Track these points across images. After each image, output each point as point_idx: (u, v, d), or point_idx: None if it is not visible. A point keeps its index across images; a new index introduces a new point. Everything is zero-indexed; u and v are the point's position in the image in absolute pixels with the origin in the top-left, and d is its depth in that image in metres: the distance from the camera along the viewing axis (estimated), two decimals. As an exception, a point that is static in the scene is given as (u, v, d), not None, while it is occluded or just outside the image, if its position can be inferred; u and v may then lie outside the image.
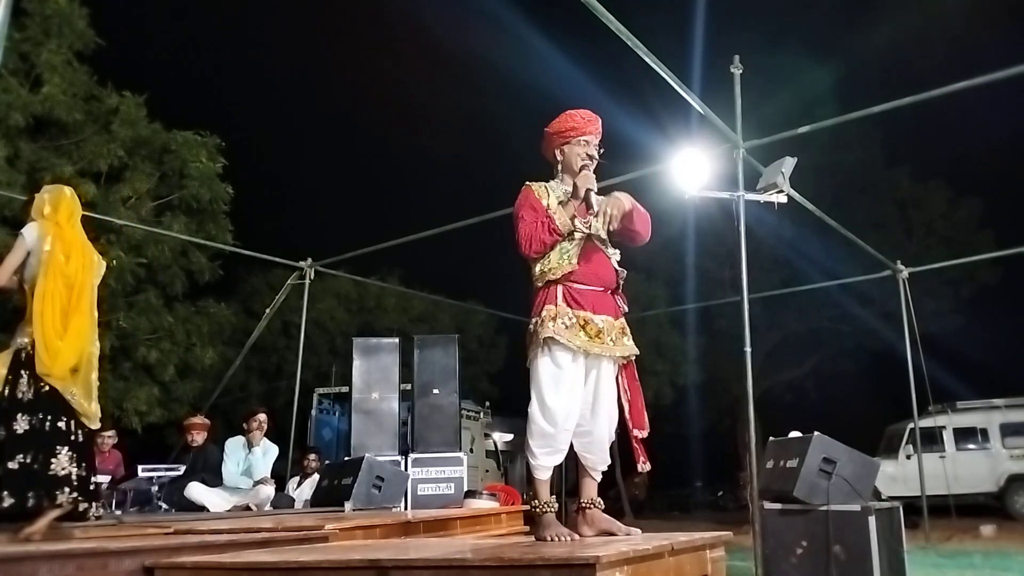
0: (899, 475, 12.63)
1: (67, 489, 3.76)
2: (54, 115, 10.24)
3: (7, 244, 9.34)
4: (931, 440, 12.53)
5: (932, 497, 10.40)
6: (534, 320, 3.10)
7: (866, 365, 19.34)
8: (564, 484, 9.38)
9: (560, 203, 3.17)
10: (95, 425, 4.01)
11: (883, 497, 10.14)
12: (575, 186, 3.17)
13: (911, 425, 11.63)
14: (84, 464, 3.90)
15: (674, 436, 21.80)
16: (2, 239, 9.53)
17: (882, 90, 7.00)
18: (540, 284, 3.14)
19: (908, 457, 12.83)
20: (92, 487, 3.99)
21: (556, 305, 3.06)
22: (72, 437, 3.86)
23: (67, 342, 3.87)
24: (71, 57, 10.44)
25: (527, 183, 3.29)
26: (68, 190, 4.33)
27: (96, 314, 4.16)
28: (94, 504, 3.96)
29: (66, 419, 3.84)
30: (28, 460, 3.68)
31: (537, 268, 3.17)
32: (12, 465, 3.64)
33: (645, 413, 3.27)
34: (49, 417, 3.79)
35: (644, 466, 3.26)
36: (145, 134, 11.07)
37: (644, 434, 3.25)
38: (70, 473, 3.79)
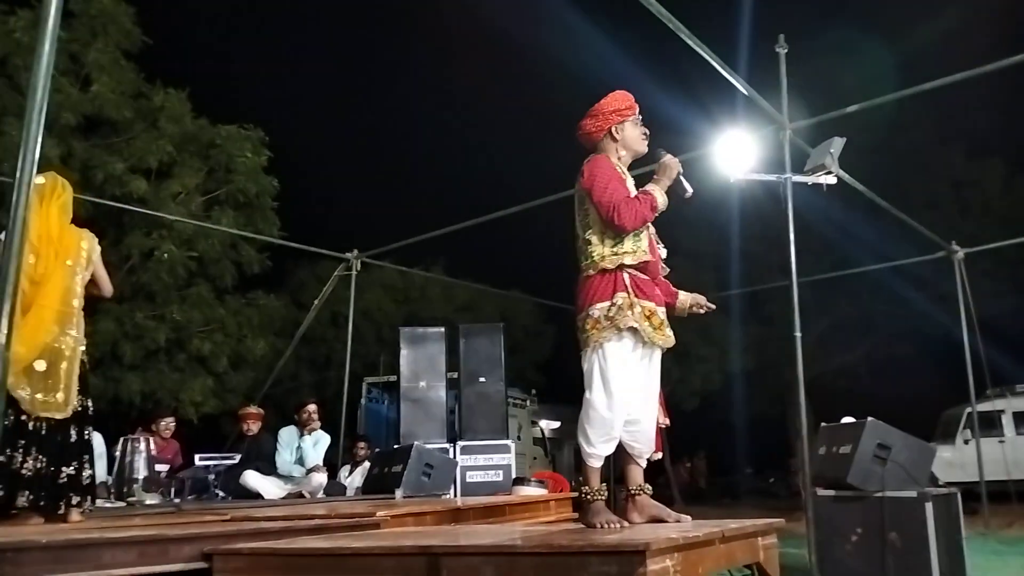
0: (957, 460, 12.34)
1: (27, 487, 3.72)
2: (104, 113, 10.49)
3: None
4: (989, 424, 12.22)
5: (991, 483, 10.16)
6: (603, 306, 3.01)
7: (921, 349, 18.90)
8: (613, 471, 9.35)
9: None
10: (61, 414, 3.87)
11: (940, 483, 9.89)
12: (664, 167, 3.15)
13: (968, 409, 11.35)
14: (42, 458, 3.80)
15: (723, 423, 21.62)
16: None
17: (934, 66, 6.79)
18: (610, 267, 3.04)
19: (966, 442, 12.53)
20: (61, 481, 3.86)
21: (628, 293, 3.01)
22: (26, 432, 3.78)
23: (20, 340, 3.61)
24: (119, 56, 10.67)
25: (601, 153, 3.22)
26: (43, 177, 4.13)
27: (74, 302, 4.03)
28: (63, 501, 3.85)
29: (15, 415, 3.72)
30: None
31: (607, 250, 3.06)
32: None
33: None
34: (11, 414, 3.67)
35: (658, 455, 3.28)
36: (192, 130, 11.28)
37: (667, 423, 3.29)
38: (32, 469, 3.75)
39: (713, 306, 3.46)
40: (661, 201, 3.09)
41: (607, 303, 3.01)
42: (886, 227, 12.36)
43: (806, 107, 7.25)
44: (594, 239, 3.10)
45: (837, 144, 5.71)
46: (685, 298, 3.40)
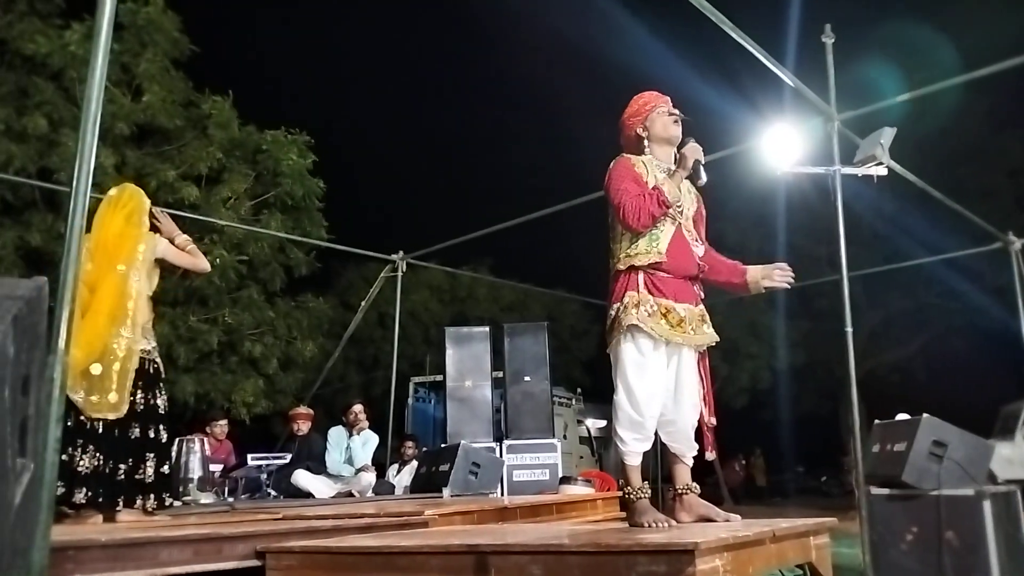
0: (1016, 457, 11.90)
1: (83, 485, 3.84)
2: (156, 122, 10.70)
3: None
4: (1051, 420, 11.85)
5: (1054, 480, 9.85)
6: (616, 306, 3.06)
7: (977, 343, 18.37)
8: (660, 470, 9.28)
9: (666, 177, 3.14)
10: (115, 415, 3.96)
11: (999, 481, 9.61)
12: (682, 157, 3.11)
13: (1029, 405, 11.03)
14: (99, 455, 3.91)
15: (773, 421, 21.30)
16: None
17: (987, 52, 6.59)
18: (622, 268, 3.09)
19: (1026, 438, 12.18)
20: (119, 478, 3.94)
21: (638, 292, 3.02)
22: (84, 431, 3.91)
23: (76, 345, 3.71)
24: (168, 65, 10.88)
25: (622, 154, 3.24)
26: (116, 189, 4.39)
27: (126, 304, 4.13)
28: (120, 498, 3.92)
29: (75, 415, 3.85)
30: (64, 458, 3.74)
31: (621, 252, 3.11)
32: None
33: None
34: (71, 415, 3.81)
35: (711, 455, 3.23)
36: (239, 136, 11.46)
37: (714, 423, 3.23)
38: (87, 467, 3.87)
39: (792, 273, 3.31)
40: (671, 193, 3.03)
41: (619, 303, 3.05)
42: (939, 218, 12.06)
43: (857, 97, 7.10)
44: (615, 240, 3.17)
45: (887, 134, 5.58)
46: (756, 272, 3.30)
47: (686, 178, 3.17)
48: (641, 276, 3.05)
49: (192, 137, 11.18)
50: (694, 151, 3.11)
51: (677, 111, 3.25)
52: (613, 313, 3.07)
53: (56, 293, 2.28)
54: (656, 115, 3.23)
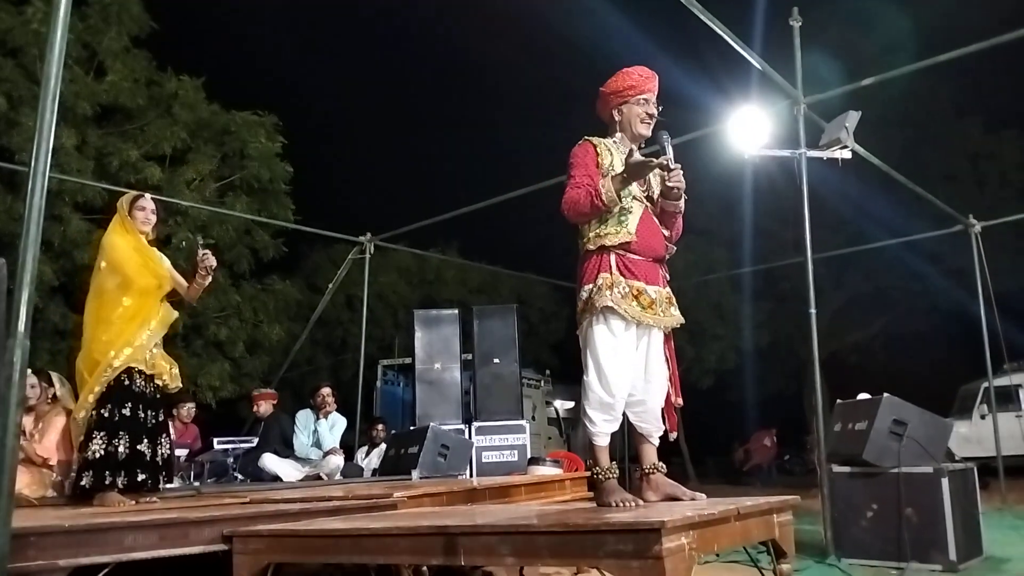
0: (973, 436, 12.28)
1: None
2: (119, 102, 10.47)
3: (80, 230, 9.70)
4: (1007, 399, 12.15)
5: (1008, 457, 10.09)
6: (588, 288, 3.05)
7: (937, 324, 18.76)
8: (627, 450, 9.38)
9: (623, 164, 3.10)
10: None
11: (957, 458, 9.85)
12: (627, 164, 3.01)
13: (985, 384, 11.29)
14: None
15: (738, 401, 21.53)
16: (76, 226, 9.85)
17: (950, 37, 6.67)
18: (592, 248, 3.08)
19: (983, 417, 12.47)
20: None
21: (611, 273, 3.02)
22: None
23: None
24: (129, 43, 10.64)
25: (586, 138, 3.22)
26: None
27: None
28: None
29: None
30: None
31: (591, 232, 3.10)
32: None
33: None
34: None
35: (673, 434, 3.26)
36: (205, 116, 11.25)
37: (680, 403, 3.26)
38: None
39: (678, 171, 3.10)
40: (608, 196, 2.96)
41: (591, 284, 3.04)
42: (902, 201, 12.25)
43: (823, 80, 7.16)
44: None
45: (852, 118, 5.66)
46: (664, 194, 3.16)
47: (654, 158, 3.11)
48: (613, 258, 3.04)
49: (155, 116, 10.96)
50: (640, 167, 2.98)
51: (655, 108, 3.19)
52: (585, 295, 3.06)
53: (15, 275, 2.24)
54: (633, 105, 3.18)
